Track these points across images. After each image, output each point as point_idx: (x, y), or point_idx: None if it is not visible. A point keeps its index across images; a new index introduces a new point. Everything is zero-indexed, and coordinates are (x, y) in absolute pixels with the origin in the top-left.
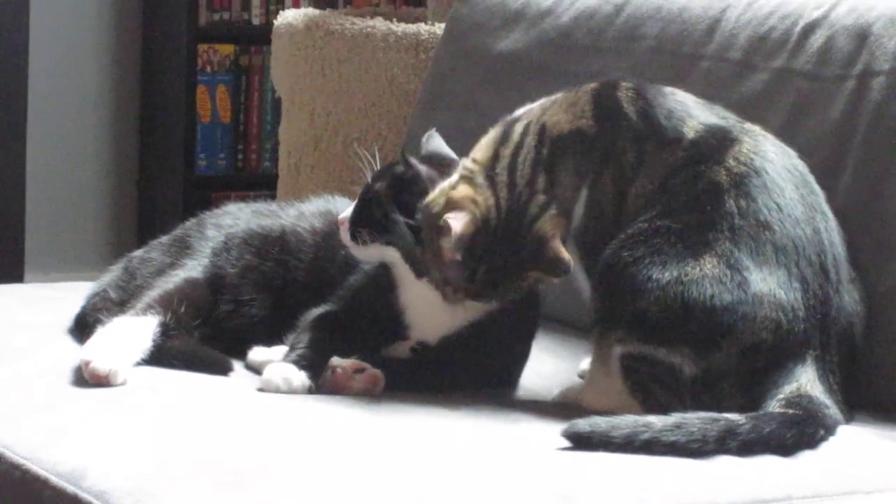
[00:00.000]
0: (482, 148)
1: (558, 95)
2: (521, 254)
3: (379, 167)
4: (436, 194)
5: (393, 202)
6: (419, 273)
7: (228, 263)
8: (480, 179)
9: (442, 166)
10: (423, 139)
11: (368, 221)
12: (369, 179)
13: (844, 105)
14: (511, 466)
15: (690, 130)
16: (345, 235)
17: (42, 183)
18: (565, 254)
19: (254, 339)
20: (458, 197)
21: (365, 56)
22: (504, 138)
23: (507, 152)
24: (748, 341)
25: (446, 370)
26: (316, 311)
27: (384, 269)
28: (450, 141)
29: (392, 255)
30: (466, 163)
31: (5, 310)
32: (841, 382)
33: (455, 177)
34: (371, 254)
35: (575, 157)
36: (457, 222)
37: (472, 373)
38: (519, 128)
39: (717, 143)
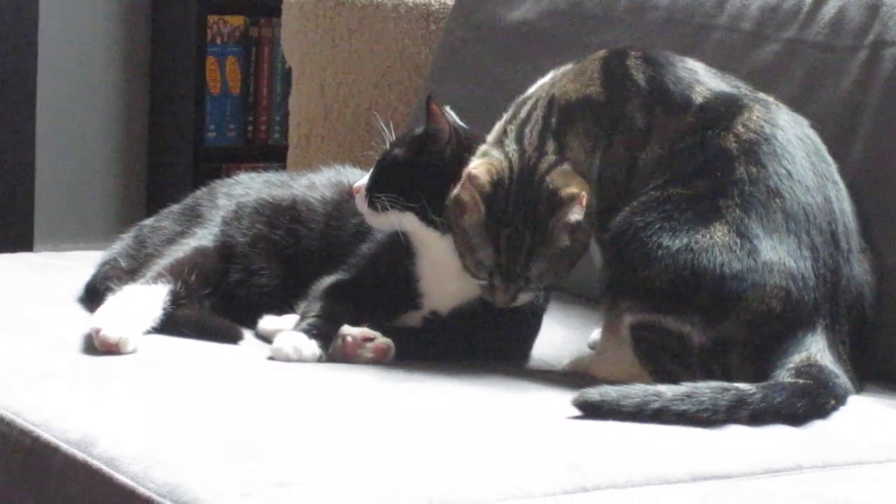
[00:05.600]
0: (494, 132)
1: (567, 66)
2: (538, 208)
3: (395, 137)
4: (453, 187)
5: (414, 165)
6: (444, 230)
7: (239, 232)
8: (496, 153)
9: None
10: None
11: (386, 187)
12: (388, 147)
13: (856, 76)
14: (521, 435)
15: (698, 96)
16: (361, 203)
17: (51, 154)
18: (575, 188)
19: (264, 308)
20: (472, 167)
21: (375, 27)
22: (512, 117)
23: (514, 127)
24: (758, 310)
25: (458, 341)
26: (328, 280)
27: (399, 238)
28: (461, 112)
29: (409, 222)
30: (480, 147)
31: (15, 278)
32: (850, 352)
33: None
34: (388, 221)
35: (585, 123)
36: (479, 170)
37: (483, 344)
38: (527, 106)
39: (726, 109)
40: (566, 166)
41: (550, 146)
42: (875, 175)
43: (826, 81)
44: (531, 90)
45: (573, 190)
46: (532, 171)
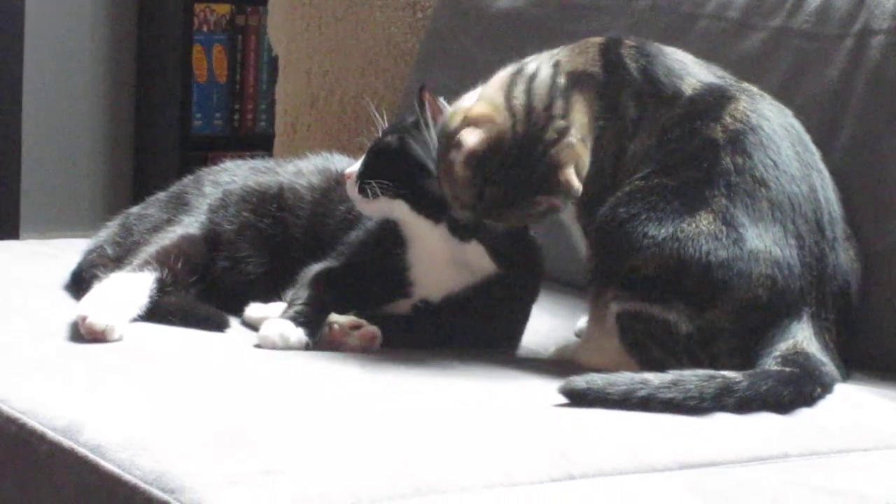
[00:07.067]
0: (499, 77)
1: (562, 47)
2: (532, 177)
3: (387, 125)
4: (452, 113)
5: (406, 153)
6: (435, 219)
7: (226, 220)
8: (499, 100)
9: None
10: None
11: (377, 174)
12: (380, 134)
13: (843, 64)
14: (508, 423)
15: (688, 88)
16: (352, 189)
17: (37, 142)
18: (575, 181)
19: (251, 296)
20: (476, 114)
21: (362, 15)
22: (519, 70)
23: (523, 79)
24: (744, 298)
25: (446, 329)
26: (315, 267)
27: (390, 226)
28: (448, 100)
29: (399, 209)
30: (484, 89)
31: (1, 266)
32: (837, 340)
33: (473, 99)
34: (379, 208)
35: (589, 91)
36: (470, 138)
37: (472, 333)
38: (533, 64)
39: (714, 100)
40: (572, 137)
41: (559, 107)
42: (861, 162)
43: (812, 70)
44: (526, 59)
45: (573, 182)
46: (538, 135)
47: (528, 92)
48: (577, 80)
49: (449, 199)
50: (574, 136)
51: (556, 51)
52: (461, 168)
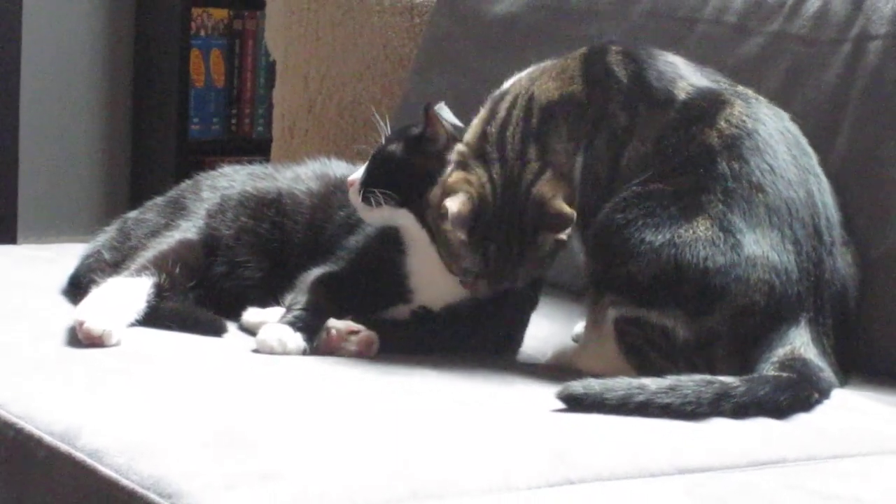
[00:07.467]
0: (472, 129)
1: (547, 63)
2: (524, 220)
3: (390, 131)
4: (435, 189)
5: (409, 164)
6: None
7: (224, 225)
8: (472, 161)
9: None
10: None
11: (381, 183)
12: (383, 141)
13: (840, 69)
14: (506, 427)
15: (681, 92)
16: (354, 197)
17: (35, 146)
18: (567, 208)
19: (248, 301)
20: (452, 181)
21: (359, 19)
22: (491, 116)
23: (493, 129)
24: (741, 304)
25: (445, 335)
26: (314, 272)
27: (391, 232)
28: (448, 105)
29: (402, 218)
30: (459, 147)
31: None
32: (834, 345)
33: (450, 167)
34: (381, 216)
35: (567, 122)
36: (453, 203)
37: (471, 339)
38: (505, 104)
39: (709, 105)
40: (549, 174)
41: (532, 151)
42: (858, 168)
43: (810, 74)
44: (507, 85)
45: (564, 209)
46: (517, 183)
47: (500, 143)
48: (552, 114)
49: (461, 279)
50: (550, 174)
51: (538, 71)
52: (455, 234)
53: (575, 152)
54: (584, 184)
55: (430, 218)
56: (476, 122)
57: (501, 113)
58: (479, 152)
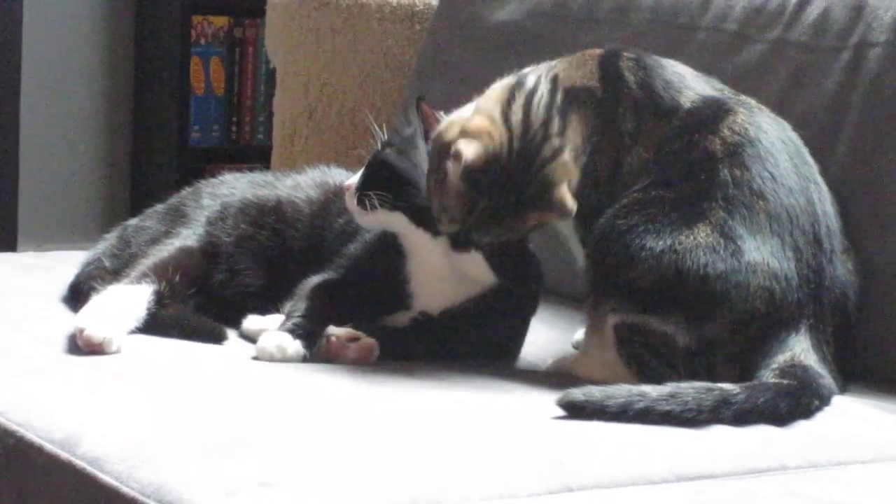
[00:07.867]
0: (496, 90)
1: (560, 59)
2: (524, 194)
3: (386, 136)
4: (448, 124)
5: (404, 165)
6: (434, 231)
7: (224, 232)
8: (497, 114)
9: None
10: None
11: (376, 186)
12: (379, 147)
13: (840, 76)
14: (506, 435)
15: (687, 101)
16: (351, 201)
17: (35, 154)
18: (569, 200)
19: (248, 308)
20: (474, 126)
21: (359, 27)
22: (518, 83)
23: (521, 94)
24: (742, 310)
25: (445, 341)
26: (314, 280)
27: (390, 238)
28: (446, 112)
29: (398, 222)
30: (481, 101)
31: None
32: (835, 352)
33: (470, 110)
34: (377, 220)
35: (585, 108)
36: (469, 149)
37: (471, 345)
38: (532, 77)
39: (713, 113)
40: (566, 156)
41: (555, 125)
42: (859, 175)
43: (810, 82)
44: (525, 70)
45: (566, 201)
46: (534, 153)
47: (526, 108)
48: (575, 97)
49: (435, 212)
50: (567, 156)
51: (554, 63)
52: (456, 179)
53: (588, 139)
54: (584, 180)
55: (434, 149)
56: (499, 86)
57: (529, 83)
58: (505, 109)
